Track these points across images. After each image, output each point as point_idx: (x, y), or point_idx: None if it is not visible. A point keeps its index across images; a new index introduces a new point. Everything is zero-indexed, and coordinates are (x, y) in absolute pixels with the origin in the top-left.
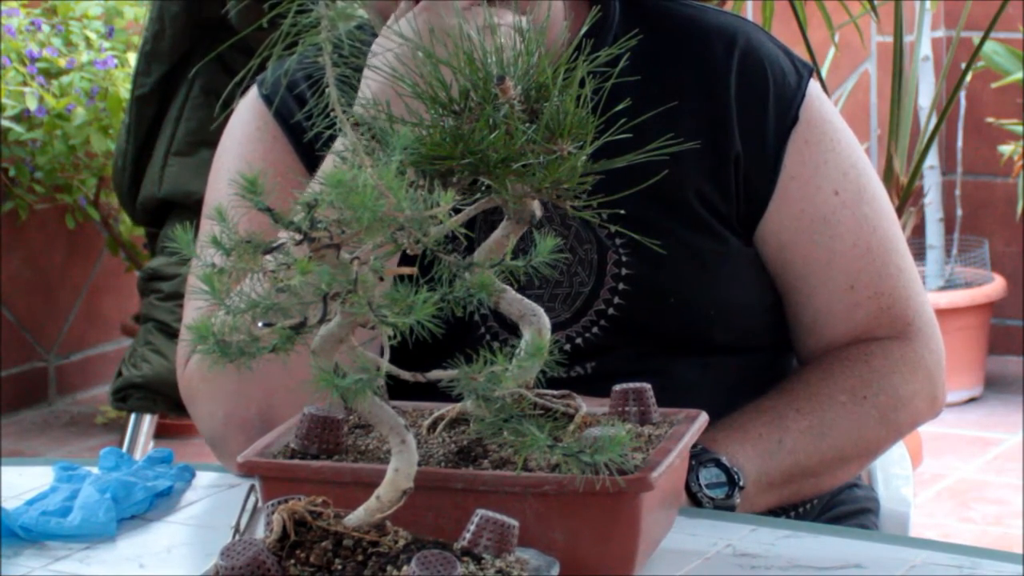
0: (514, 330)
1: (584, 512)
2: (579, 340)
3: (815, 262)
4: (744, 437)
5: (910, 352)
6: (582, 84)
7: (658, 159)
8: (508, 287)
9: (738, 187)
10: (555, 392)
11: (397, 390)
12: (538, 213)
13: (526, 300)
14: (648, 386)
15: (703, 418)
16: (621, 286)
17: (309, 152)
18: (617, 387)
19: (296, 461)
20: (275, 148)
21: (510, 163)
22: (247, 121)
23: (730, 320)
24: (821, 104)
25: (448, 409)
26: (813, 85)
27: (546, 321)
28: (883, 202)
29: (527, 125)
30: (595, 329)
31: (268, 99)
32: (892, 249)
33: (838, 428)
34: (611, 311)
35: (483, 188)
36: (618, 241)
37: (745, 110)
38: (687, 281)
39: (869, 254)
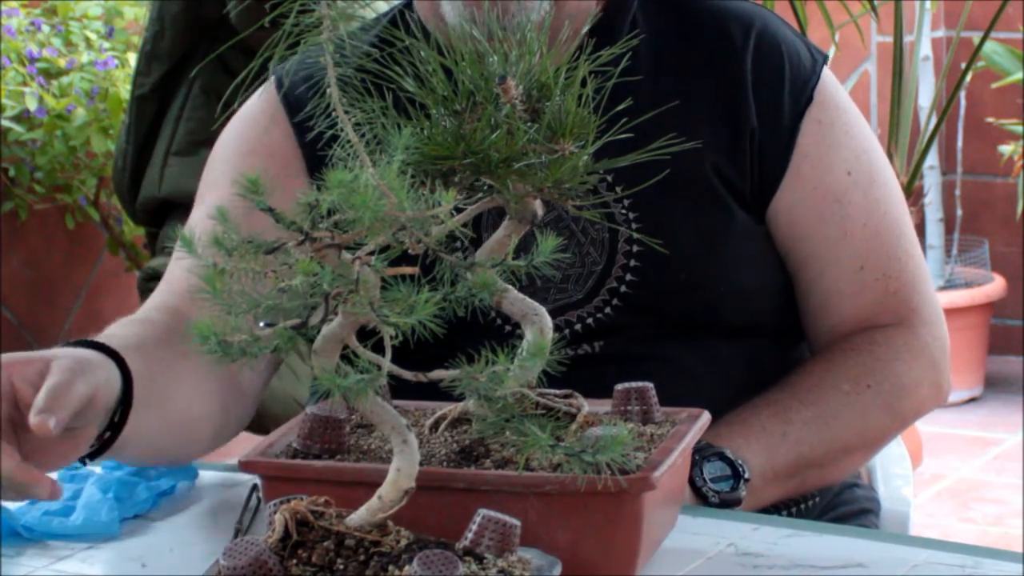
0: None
1: (586, 512)
2: (590, 320)
3: (826, 240)
4: (748, 431)
5: (914, 339)
6: (584, 83)
7: (674, 135)
8: (510, 287)
9: (752, 162)
10: (557, 392)
11: (399, 389)
12: (540, 213)
13: (528, 299)
14: (651, 385)
15: (705, 417)
16: (632, 263)
17: (312, 143)
18: (619, 386)
19: (298, 461)
20: (273, 129)
21: (511, 163)
22: (253, 102)
23: (739, 300)
24: (836, 90)
25: (450, 409)
26: (827, 72)
27: (548, 320)
28: (894, 188)
29: (529, 125)
30: (607, 309)
31: (280, 83)
32: (901, 234)
33: (842, 418)
34: (623, 288)
35: (485, 188)
36: (630, 216)
37: (761, 87)
38: (697, 258)
39: (879, 237)
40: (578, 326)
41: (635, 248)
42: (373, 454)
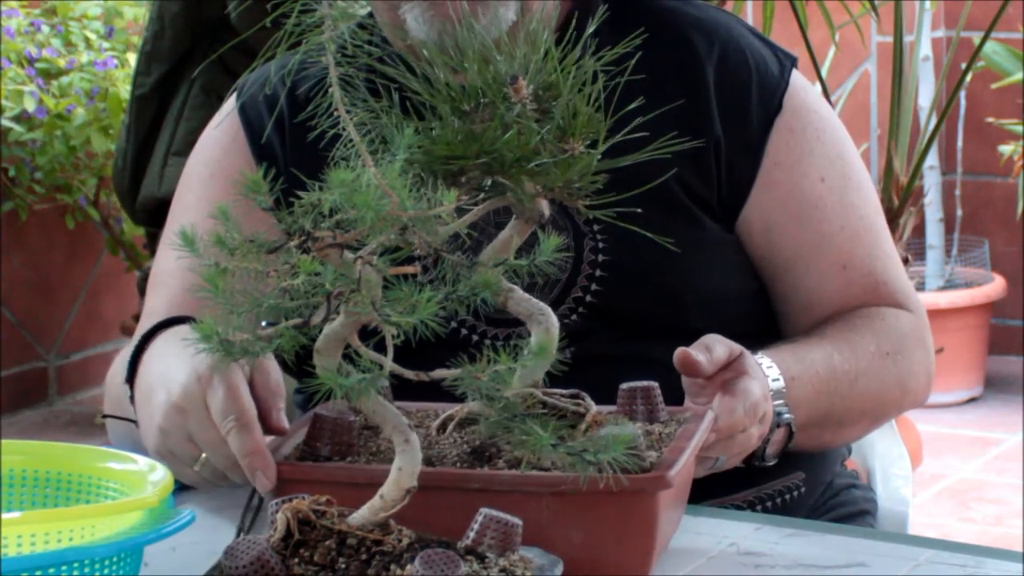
0: (499, 324)
1: (602, 511)
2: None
3: (805, 244)
4: (803, 368)
5: (914, 323)
6: (595, 79)
7: (637, 147)
8: (515, 286)
9: (719, 173)
10: (564, 391)
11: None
12: (546, 212)
13: (534, 299)
14: (655, 384)
15: (710, 416)
16: (598, 273)
17: (271, 158)
18: (624, 386)
19: (311, 463)
20: (233, 150)
21: (525, 163)
22: (217, 120)
23: (708, 307)
24: (806, 94)
25: (456, 409)
26: (797, 75)
27: (554, 320)
28: (869, 191)
29: (539, 124)
30: (574, 316)
31: (240, 101)
32: (878, 235)
33: (866, 379)
34: (588, 298)
35: (488, 188)
36: (595, 227)
37: (726, 98)
38: (665, 267)
39: (857, 238)
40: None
41: (601, 258)
42: (383, 455)
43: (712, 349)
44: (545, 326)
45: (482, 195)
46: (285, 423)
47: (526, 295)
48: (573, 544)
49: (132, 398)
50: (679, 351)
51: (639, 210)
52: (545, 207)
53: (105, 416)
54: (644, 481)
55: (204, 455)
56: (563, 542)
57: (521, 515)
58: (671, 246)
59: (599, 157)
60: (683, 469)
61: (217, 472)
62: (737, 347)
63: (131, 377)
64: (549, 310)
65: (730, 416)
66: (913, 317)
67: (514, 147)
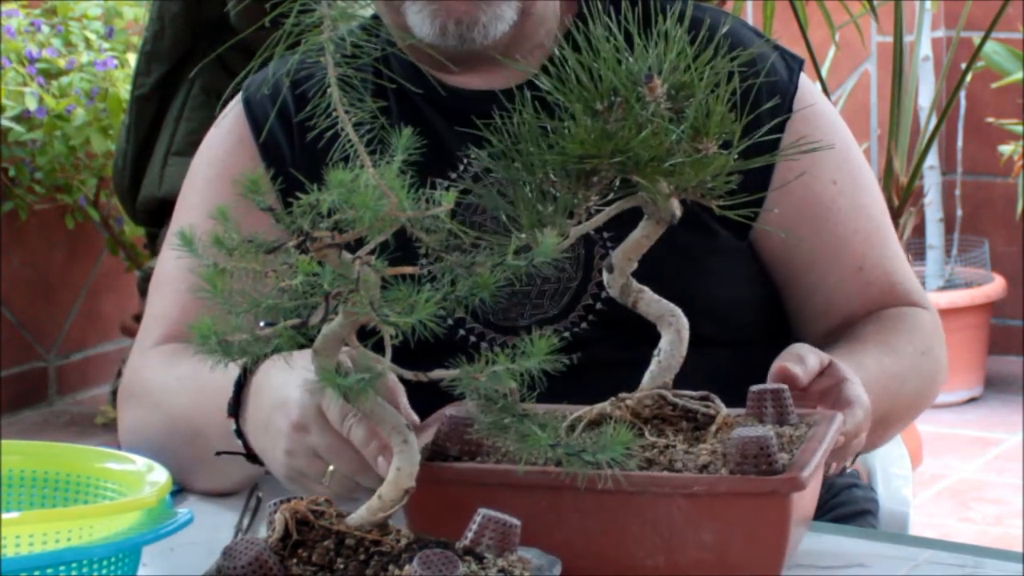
0: (500, 329)
1: (734, 513)
2: (567, 334)
3: (821, 248)
4: (865, 375)
5: (932, 320)
6: (729, 80)
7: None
8: (645, 287)
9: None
10: (694, 393)
11: None
12: (678, 213)
13: (664, 301)
14: (785, 387)
15: (839, 419)
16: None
17: (277, 159)
18: (754, 388)
19: (440, 463)
20: (238, 151)
21: (659, 162)
22: (223, 120)
23: (719, 314)
24: (813, 97)
25: (586, 411)
26: (804, 78)
27: (684, 322)
28: (876, 191)
29: (672, 124)
30: (584, 324)
31: (247, 101)
32: (887, 236)
33: (910, 381)
34: (599, 305)
35: (618, 188)
36: (605, 235)
37: (734, 103)
38: (675, 275)
39: (869, 240)
40: (556, 340)
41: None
42: (512, 456)
43: (805, 360)
44: (676, 327)
45: (612, 196)
46: (413, 414)
47: (656, 296)
48: (704, 545)
49: (238, 431)
50: (777, 366)
51: (775, 210)
52: (677, 207)
53: (219, 453)
54: (776, 483)
55: (331, 467)
56: (694, 543)
57: (653, 516)
58: (681, 255)
59: (737, 156)
60: (816, 471)
61: (346, 481)
62: (826, 356)
63: (235, 410)
64: (679, 311)
65: (854, 420)
66: (929, 314)
67: (649, 146)
